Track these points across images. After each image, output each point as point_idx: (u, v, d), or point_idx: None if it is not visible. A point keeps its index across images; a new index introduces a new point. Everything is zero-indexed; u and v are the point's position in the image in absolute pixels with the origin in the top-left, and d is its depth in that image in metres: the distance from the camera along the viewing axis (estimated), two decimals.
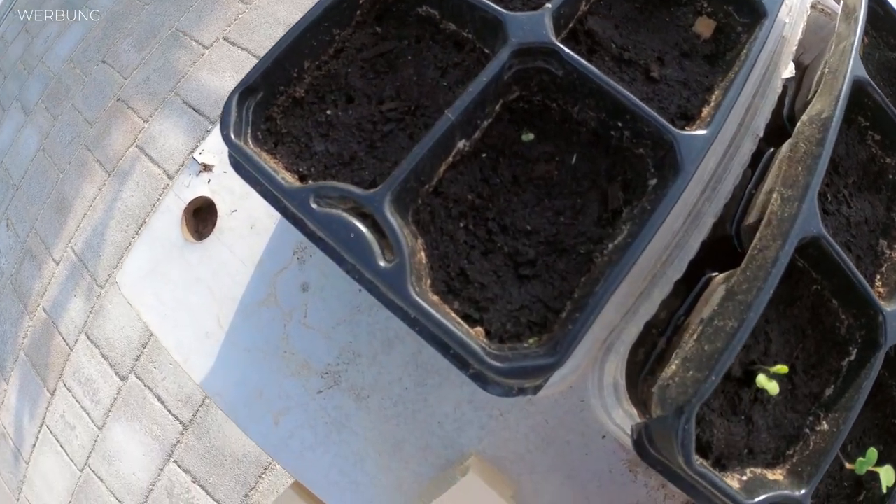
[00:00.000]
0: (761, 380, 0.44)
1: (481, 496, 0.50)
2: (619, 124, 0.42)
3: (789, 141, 0.57)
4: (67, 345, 1.61)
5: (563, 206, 0.43)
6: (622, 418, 0.51)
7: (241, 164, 0.44)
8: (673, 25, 0.53)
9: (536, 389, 0.39)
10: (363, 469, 0.55)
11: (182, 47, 1.77)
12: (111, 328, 1.56)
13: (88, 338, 1.58)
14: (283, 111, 0.47)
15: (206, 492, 1.40)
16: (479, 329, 0.39)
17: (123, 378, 1.51)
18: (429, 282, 0.38)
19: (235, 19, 1.76)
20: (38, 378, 1.64)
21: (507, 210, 0.42)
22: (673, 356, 0.49)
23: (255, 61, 0.46)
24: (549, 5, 0.41)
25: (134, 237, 1.58)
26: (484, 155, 0.43)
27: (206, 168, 0.71)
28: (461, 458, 0.55)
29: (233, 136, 0.42)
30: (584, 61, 0.39)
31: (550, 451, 0.56)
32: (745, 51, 0.49)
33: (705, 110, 0.47)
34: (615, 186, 0.44)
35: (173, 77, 1.73)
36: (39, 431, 1.62)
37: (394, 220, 0.34)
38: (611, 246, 0.42)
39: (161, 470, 1.45)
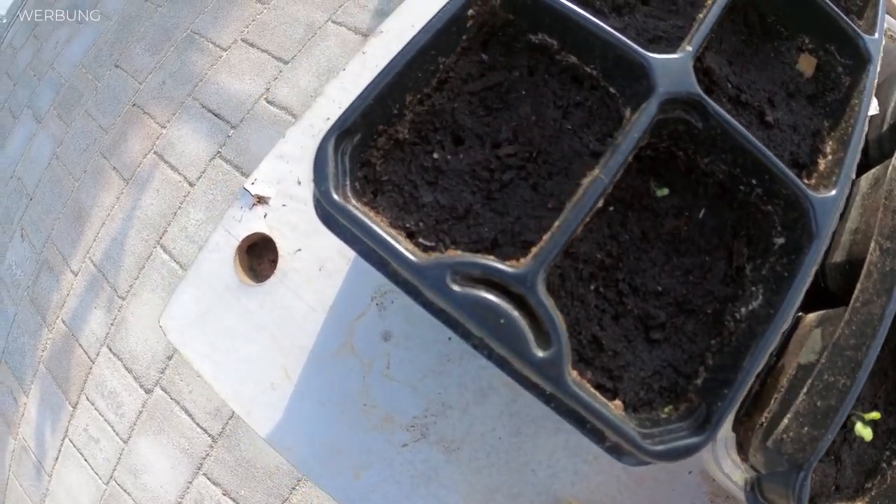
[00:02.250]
0: (858, 428, 0.44)
1: None
2: (753, 182, 0.39)
3: (869, 176, 0.55)
4: (89, 357, 1.57)
5: (692, 265, 0.40)
6: (730, 467, 0.51)
7: (335, 220, 0.39)
8: (778, 62, 0.50)
9: (675, 461, 0.37)
10: None
11: (198, 50, 1.72)
12: (134, 340, 1.52)
13: (110, 350, 1.55)
14: (382, 155, 0.41)
15: None
16: (618, 402, 0.36)
17: (148, 391, 1.48)
18: None
19: (253, 20, 1.70)
20: (59, 391, 1.61)
21: (637, 269, 0.39)
22: (772, 400, 0.48)
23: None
24: (689, 48, 0.38)
25: (155, 247, 1.55)
26: (612, 208, 0.40)
27: (261, 200, 0.65)
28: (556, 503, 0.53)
29: (333, 192, 0.36)
30: (730, 118, 0.36)
31: (640, 491, 0.55)
32: (854, 101, 0.47)
33: (822, 162, 0.45)
34: (740, 242, 0.42)
35: (190, 81, 1.68)
36: (62, 444, 1.59)
37: (548, 301, 0.31)
38: (744, 310, 0.39)
39: (190, 483, 1.43)
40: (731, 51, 0.47)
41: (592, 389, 0.36)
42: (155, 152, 1.63)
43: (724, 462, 0.50)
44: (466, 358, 0.52)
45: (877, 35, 0.51)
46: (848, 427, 0.47)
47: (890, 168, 0.52)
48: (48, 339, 1.65)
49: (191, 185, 1.55)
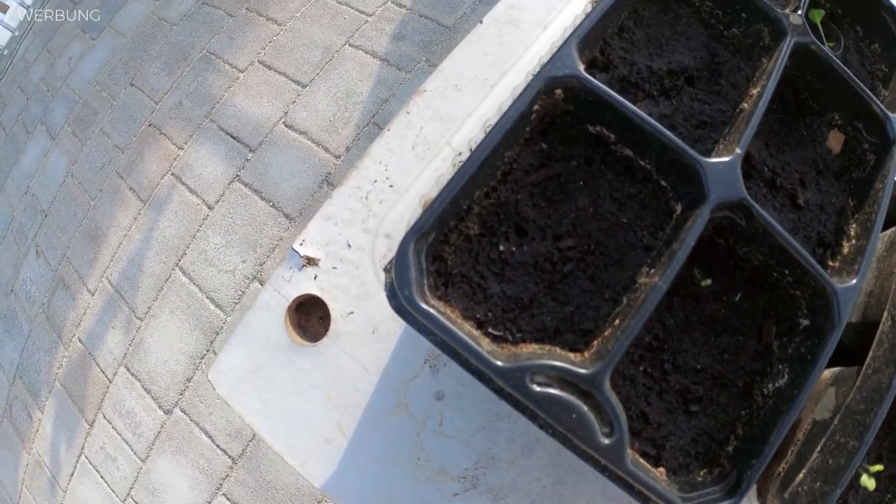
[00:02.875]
0: (864, 480, 0.50)
1: None
2: (786, 272, 0.44)
3: (884, 237, 0.59)
4: (106, 377, 1.60)
5: (728, 344, 0.45)
6: None
7: (405, 310, 0.39)
8: (809, 140, 0.54)
9: None
10: None
11: (215, 71, 1.74)
12: (153, 361, 1.55)
13: (129, 370, 1.57)
14: (454, 250, 0.43)
15: None
16: (662, 469, 0.40)
17: (168, 412, 1.51)
18: None
19: (270, 41, 1.73)
20: (75, 409, 1.63)
21: (680, 350, 0.44)
22: (789, 452, 0.53)
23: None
24: (738, 150, 0.42)
25: (173, 269, 1.57)
26: None
27: (311, 262, 0.67)
28: None
29: (417, 298, 0.38)
30: (771, 219, 0.41)
31: None
32: (878, 184, 0.51)
33: (846, 246, 0.49)
34: (769, 322, 0.46)
35: (207, 102, 1.70)
36: (77, 461, 1.61)
37: (612, 397, 0.36)
38: (771, 387, 0.44)
39: (209, 503, 1.46)
40: (768, 131, 0.51)
41: (640, 459, 0.40)
42: (172, 174, 1.66)
43: None
44: (515, 415, 0.56)
45: None
46: (856, 476, 0.53)
47: None
48: (64, 356, 1.67)
49: (209, 207, 1.58)
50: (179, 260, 1.56)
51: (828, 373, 0.56)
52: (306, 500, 1.37)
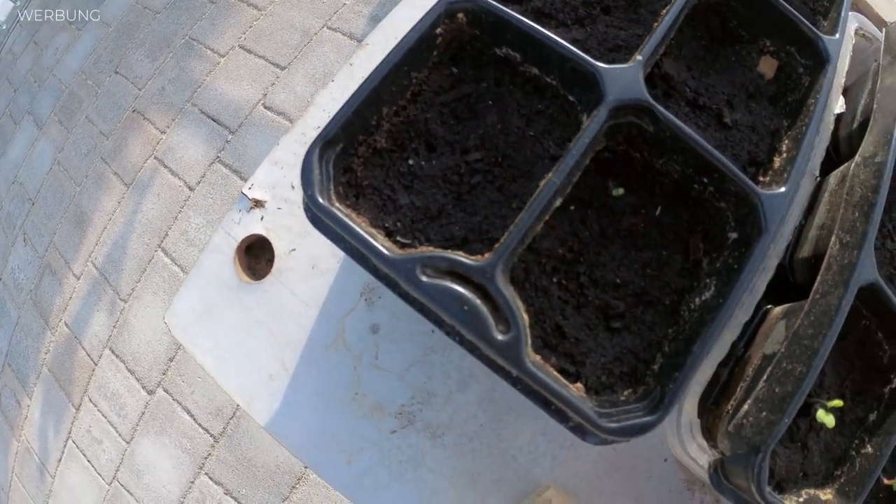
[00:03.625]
0: (820, 415, 0.47)
1: None
2: (705, 180, 0.43)
3: (837, 173, 0.58)
4: (91, 360, 1.61)
5: (650, 259, 0.44)
6: (696, 451, 0.53)
7: (322, 221, 0.43)
8: (738, 65, 0.53)
9: (630, 439, 0.41)
10: (439, 502, 0.56)
11: (197, 56, 1.76)
12: (136, 342, 1.56)
13: (113, 352, 1.58)
14: (363, 162, 0.45)
15: (239, 503, 1.41)
16: (580, 385, 0.39)
17: (151, 392, 1.52)
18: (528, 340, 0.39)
19: (250, 26, 1.74)
20: (62, 393, 1.64)
21: (597, 263, 0.43)
22: (738, 388, 0.51)
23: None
24: (639, 57, 0.41)
25: (156, 251, 1.58)
26: (572, 207, 0.43)
27: (258, 204, 0.70)
28: (535, 489, 0.57)
29: (318, 196, 0.41)
30: (677, 121, 0.40)
31: (617, 476, 0.58)
32: (811, 100, 0.50)
33: (777, 160, 0.48)
34: (696, 237, 0.45)
35: (189, 87, 1.71)
36: (65, 446, 1.62)
37: (507, 291, 0.35)
38: (698, 300, 0.43)
39: (192, 482, 1.46)
40: (691, 56, 0.51)
41: (556, 373, 0.39)
42: (155, 157, 1.67)
43: (690, 446, 0.53)
44: (448, 349, 0.55)
45: (838, 35, 0.54)
46: (812, 415, 0.50)
47: (853, 165, 0.55)
48: (51, 341, 1.68)
49: (191, 189, 1.59)
50: (162, 241, 1.57)
51: (779, 308, 0.55)
52: (286, 478, 1.37)
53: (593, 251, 0.43)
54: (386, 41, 0.70)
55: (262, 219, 0.68)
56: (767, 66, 0.55)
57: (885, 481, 0.51)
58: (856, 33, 0.66)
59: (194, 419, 1.46)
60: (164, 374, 1.50)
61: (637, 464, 0.59)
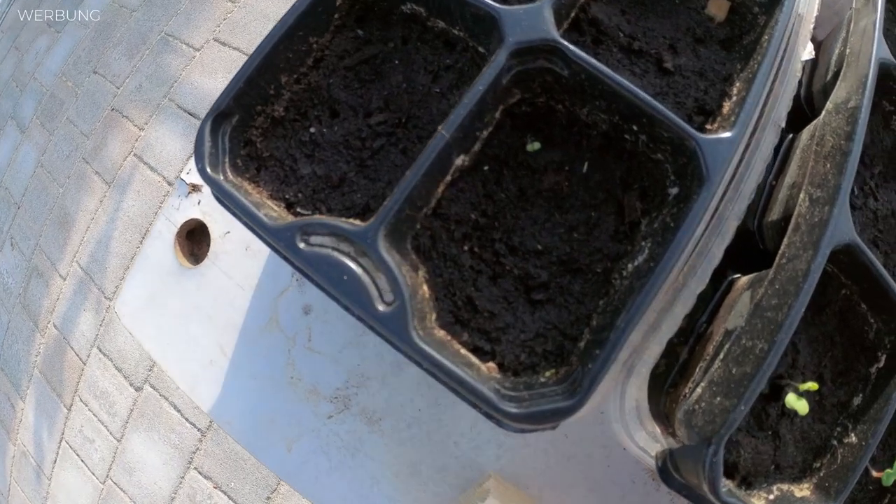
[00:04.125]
0: (790, 400, 0.41)
1: None
2: (634, 128, 0.38)
3: (810, 127, 0.53)
4: (80, 359, 1.61)
5: (576, 221, 0.40)
6: (645, 440, 0.48)
7: (222, 199, 0.41)
8: (683, 8, 0.48)
9: (555, 427, 0.37)
10: (381, 492, 0.53)
11: (172, 51, 1.73)
12: (122, 339, 1.55)
13: (100, 351, 1.58)
14: (262, 133, 0.43)
15: (229, 496, 1.40)
16: (492, 364, 0.36)
17: (138, 388, 1.51)
18: (434, 315, 0.35)
19: (224, 19, 1.71)
20: (53, 394, 1.65)
21: (515, 228, 0.39)
22: (697, 369, 0.46)
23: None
24: None
25: (138, 246, 1.57)
26: (486, 168, 0.39)
27: (195, 189, 0.68)
28: (481, 478, 0.53)
29: (208, 168, 0.39)
30: (591, 59, 0.36)
31: (571, 466, 0.54)
32: (765, 37, 0.45)
33: (726, 105, 0.43)
34: (631, 196, 0.41)
35: (166, 82, 1.69)
36: (59, 447, 1.63)
37: (390, 257, 0.32)
38: (630, 266, 0.39)
39: (182, 478, 1.45)
40: (625, 1, 0.46)
41: (466, 351, 0.36)
42: (134, 154, 1.65)
43: (638, 435, 0.48)
44: None
45: None
46: (783, 399, 0.44)
47: (823, 112, 0.50)
48: (41, 344, 1.68)
49: (170, 184, 1.57)
50: (143, 237, 1.56)
51: (745, 278, 0.49)
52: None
53: (510, 215, 0.39)
54: None
55: (199, 203, 0.65)
56: (717, 8, 0.50)
57: (874, 473, 0.45)
58: None
59: (181, 413, 1.44)
60: (150, 370, 1.49)
61: (593, 452, 0.55)
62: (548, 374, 0.36)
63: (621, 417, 0.44)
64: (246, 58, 1.61)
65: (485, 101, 0.36)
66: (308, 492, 0.54)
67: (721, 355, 0.41)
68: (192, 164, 0.67)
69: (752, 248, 0.54)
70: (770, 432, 0.44)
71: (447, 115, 0.38)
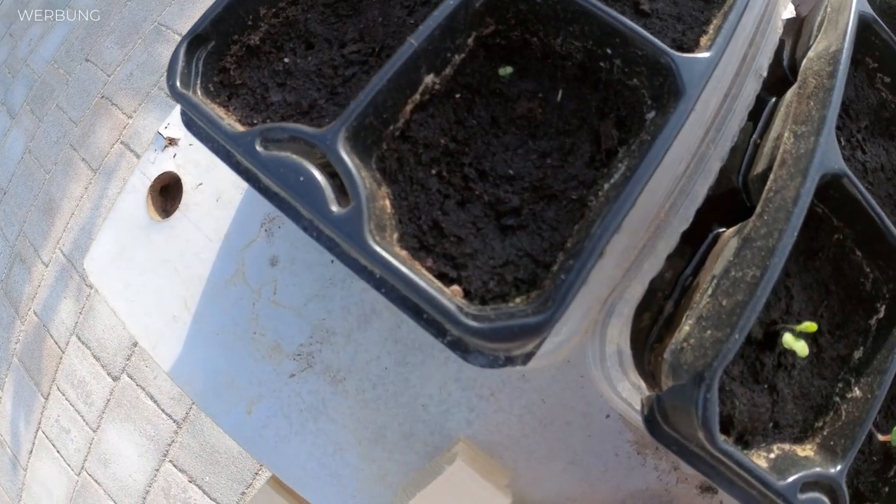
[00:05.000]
0: (788, 340, 0.38)
1: (471, 486, 0.45)
2: (608, 52, 0.37)
3: (794, 85, 0.52)
4: (59, 347, 1.57)
5: (550, 148, 0.38)
6: (629, 391, 0.45)
7: (192, 120, 0.39)
8: None
9: (527, 358, 0.34)
10: (343, 460, 0.50)
11: (165, 41, 1.73)
12: (101, 328, 1.52)
13: (80, 339, 1.54)
14: (237, 62, 0.42)
15: (203, 490, 1.36)
16: (457, 288, 0.34)
17: (115, 378, 1.48)
18: (396, 235, 0.33)
19: None
20: (31, 383, 1.60)
21: (486, 154, 0.37)
22: (683, 319, 0.43)
23: None
24: None
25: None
26: (458, 95, 0.38)
27: (172, 142, 0.66)
28: (450, 445, 0.50)
29: (179, 85, 0.38)
30: None
31: (549, 434, 0.51)
32: None
33: (703, 39, 0.42)
34: (608, 124, 0.39)
35: (157, 71, 1.69)
36: (35, 437, 1.59)
37: (349, 159, 0.29)
38: (606, 186, 0.36)
39: (157, 470, 1.41)
40: None
41: (429, 275, 0.33)
42: (122, 142, 1.64)
43: (621, 384, 0.45)
44: (349, 281, 0.50)
45: None
46: (780, 347, 0.41)
47: (805, 60, 0.48)
48: (21, 331, 1.65)
49: None
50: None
51: (731, 229, 0.47)
52: (248, 464, 1.32)
53: (481, 141, 0.37)
54: None
55: (174, 156, 0.64)
56: None
57: (880, 437, 0.42)
58: None
59: (157, 404, 1.41)
60: (128, 359, 1.46)
61: (573, 419, 0.52)
62: (518, 300, 0.34)
63: (601, 364, 0.41)
64: None
65: (455, 17, 0.34)
66: (267, 459, 0.50)
67: (709, 291, 0.37)
68: (171, 118, 0.65)
69: (738, 205, 0.52)
70: (766, 385, 0.41)
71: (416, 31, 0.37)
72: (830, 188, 0.38)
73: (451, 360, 0.50)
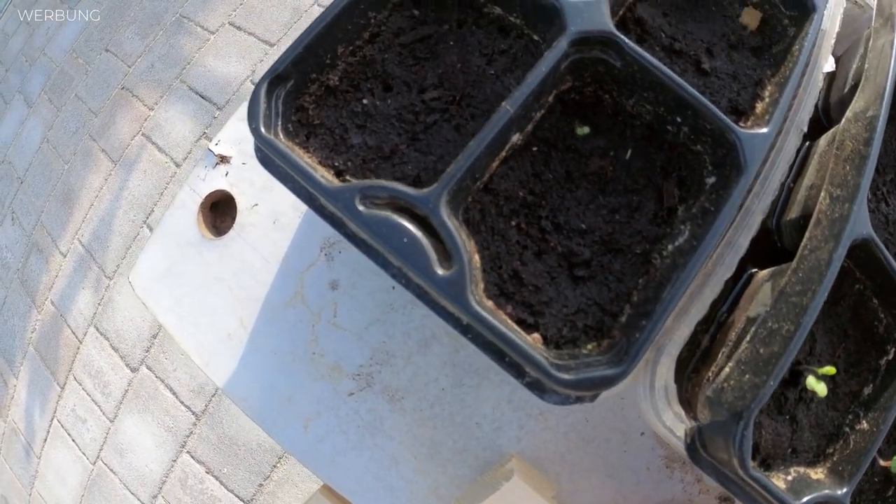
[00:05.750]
0: (811, 382, 0.44)
1: (525, 500, 0.48)
2: (678, 120, 0.40)
3: (828, 135, 0.55)
4: (77, 338, 1.59)
5: (618, 204, 0.41)
6: (672, 420, 0.50)
7: (271, 160, 0.41)
8: (719, 16, 0.51)
9: (594, 397, 0.37)
10: (398, 473, 0.53)
11: (187, 33, 1.73)
12: (120, 319, 1.54)
13: (98, 330, 1.56)
14: (315, 101, 0.43)
15: (221, 482, 1.40)
16: (537, 335, 0.37)
17: (134, 370, 1.50)
18: (482, 285, 0.36)
19: (241, 3, 1.71)
20: (47, 372, 1.63)
21: (561, 207, 0.40)
22: (720, 354, 0.48)
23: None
24: None
25: (141, 227, 1.56)
26: (535, 149, 0.40)
27: (224, 160, 0.68)
28: (500, 460, 0.54)
29: (262, 129, 0.39)
30: (646, 53, 0.37)
31: (590, 450, 0.55)
32: (796, 47, 0.47)
33: (759, 106, 0.45)
34: (670, 183, 0.42)
35: (178, 64, 1.69)
36: (50, 426, 1.61)
37: (450, 223, 0.32)
38: (671, 247, 0.40)
39: (174, 461, 1.44)
40: (668, 4, 0.48)
41: (511, 322, 0.36)
42: (143, 134, 1.64)
43: (666, 414, 0.49)
44: (409, 307, 0.52)
45: None
46: (802, 384, 0.46)
47: (843, 120, 0.52)
48: (37, 320, 1.67)
49: (177, 165, 1.56)
50: (147, 217, 1.55)
51: (765, 272, 0.51)
52: (267, 456, 1.35)
53: (557, 194, 0.40)
54: None
55: (226, 174, 0.65)
56: (750, 18, 0.53)
57: (882, 463, 0.47)
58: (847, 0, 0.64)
59: (177, 396, 1.44)
60: (147, 351, 1.49)
61: (612, 437, 0.56)
62: (589, 347, 0.37)
63: (650, 397, 0.45)
64: (260, 43, 1.61)
65: (545, 82, 0.37)
66: (323, 472, 0.53)
67: (747, 338, 0.42)
68: (221, 135, 0.67)
69: (770, 246, 0.56)
70: (788, 416, 0.45)
71: (502, 95, 0.39)
72: (858, 249, 0.42)
73: (504, 383, 0.53)
